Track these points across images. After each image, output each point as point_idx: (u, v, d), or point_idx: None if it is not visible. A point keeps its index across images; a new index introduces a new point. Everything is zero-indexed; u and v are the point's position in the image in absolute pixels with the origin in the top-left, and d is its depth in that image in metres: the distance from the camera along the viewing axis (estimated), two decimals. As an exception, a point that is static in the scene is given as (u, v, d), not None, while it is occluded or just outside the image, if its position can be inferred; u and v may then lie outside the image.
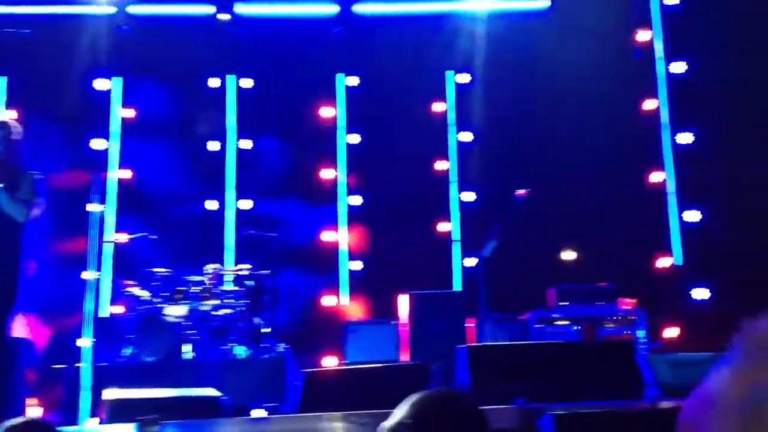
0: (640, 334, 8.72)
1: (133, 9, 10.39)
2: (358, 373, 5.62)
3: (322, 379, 5.40)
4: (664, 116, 10.52)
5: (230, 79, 10.61)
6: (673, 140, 10.42)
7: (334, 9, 10.58)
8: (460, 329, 8.31)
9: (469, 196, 10.42)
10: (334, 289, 10.15)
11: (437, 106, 10.66)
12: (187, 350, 8.00)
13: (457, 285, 10.14)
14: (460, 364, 5.42)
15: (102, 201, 9.15)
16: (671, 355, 6.86)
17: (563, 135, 10.18)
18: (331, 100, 10.61)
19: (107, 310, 9.56)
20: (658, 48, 10.66)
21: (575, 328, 8.77)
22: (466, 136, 10.57)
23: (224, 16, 10.46)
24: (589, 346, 7.23)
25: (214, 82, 10.51)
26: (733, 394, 0.81)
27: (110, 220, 9.95)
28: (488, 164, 10.37)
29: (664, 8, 10.65)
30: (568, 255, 10.42)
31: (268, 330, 8.26)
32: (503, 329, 8.67)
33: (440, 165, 10.54)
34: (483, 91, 10.55)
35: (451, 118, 10.70)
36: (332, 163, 10.49)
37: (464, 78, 10.66)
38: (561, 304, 8.80)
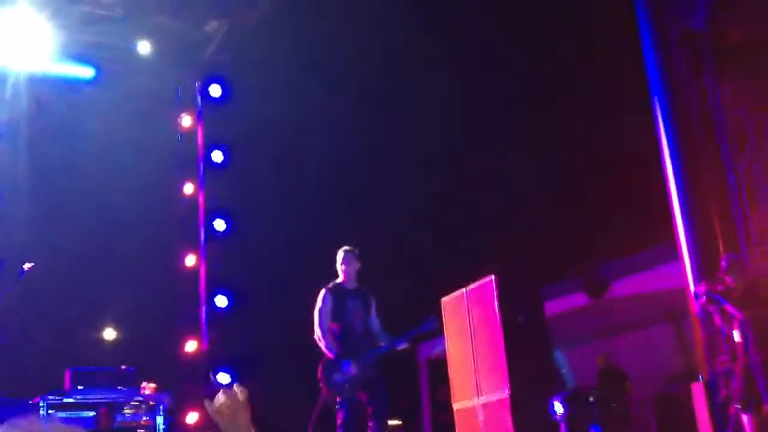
0: (160, 419, 8.48)
1: None
2: None
3: None
4: (202, 201, 10.71)
5: None
6: (209, 225, 10.62)
7: None
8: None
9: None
10: None
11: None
12: None
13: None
14: None
15: None
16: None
17: (105, 209, 9.81)
18: None
19: None
20: (200, 134, 10.89)
21: (91, 413, 8.20)
22: (-14, 199, 9.56)
23: None
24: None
25: None
26: None
27: None
28: (9, 231, 9.46)
29: (207, 98, 10.96)
30: (107, 334, 9.90)
31: None
32: (6, 414, 7.73)
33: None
34: (19, 150, 9.71)
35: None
36: None
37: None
38: (78, 387, 8.18)
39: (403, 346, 6.85)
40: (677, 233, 7.99)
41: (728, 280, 6.76)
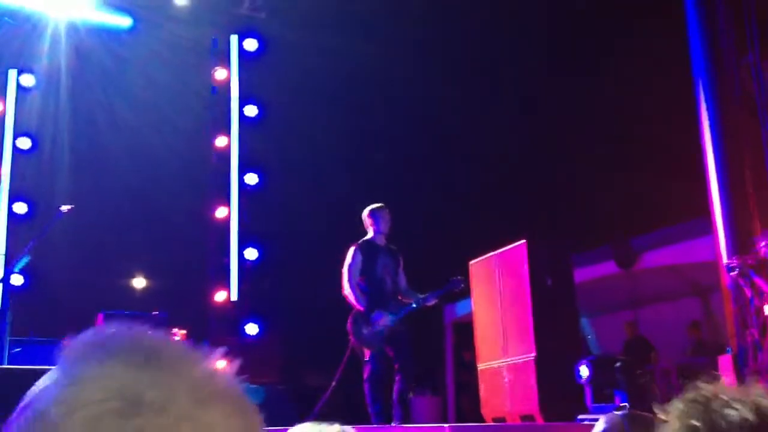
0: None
1: None
2: None
3: None
4: (235, 155, 10.76)
5: None
6: (241, 179, 10.67)
7: None
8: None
9: (21, 208, 9.50)
10: None
11: (-5, 105, 9.61)
12: None
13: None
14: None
15: None
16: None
17: (137, 157, 9.90)
18: None
19: None
20: (234, 89, 10.89)
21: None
22: (24, 143, 9.65)
23: None
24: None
25: None
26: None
27: None
28: (45, 175, 9.59)
29: (242, 52, 10.94)
30: (137, 282, 10.08)
31: None
32: (45, 354, 7.94)
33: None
34: (51, 96, 9.80)
35: (9, 120, 9.71)
36: None
37: (28, 80, 9.76)
38: (109, 331, 8.34)
39: (430, 304, 6.91)
40: (712, 206, 7.92)
41: (761, 254, 6.74)
